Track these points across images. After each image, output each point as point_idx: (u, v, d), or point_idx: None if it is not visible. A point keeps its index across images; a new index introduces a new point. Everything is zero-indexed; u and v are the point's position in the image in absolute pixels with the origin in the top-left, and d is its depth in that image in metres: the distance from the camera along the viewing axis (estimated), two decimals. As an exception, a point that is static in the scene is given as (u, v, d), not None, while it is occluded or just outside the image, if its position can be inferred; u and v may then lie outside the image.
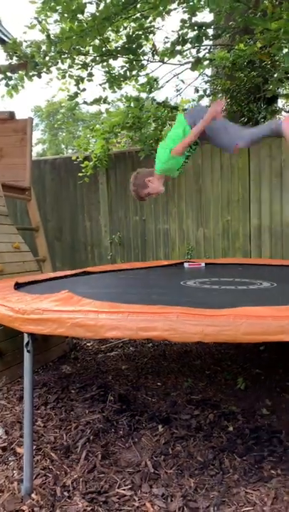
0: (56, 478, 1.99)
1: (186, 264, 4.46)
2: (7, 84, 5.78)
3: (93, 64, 5.51)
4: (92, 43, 5.26)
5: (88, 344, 4.11)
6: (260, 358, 3.46)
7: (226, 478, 1.96)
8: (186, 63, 5.75)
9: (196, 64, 5.46)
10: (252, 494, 1.85)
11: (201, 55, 5.61)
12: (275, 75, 5.19)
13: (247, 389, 2.91)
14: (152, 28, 5.56)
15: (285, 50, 5.25)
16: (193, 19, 5.12)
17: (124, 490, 1.90)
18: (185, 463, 2.09)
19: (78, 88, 5.69)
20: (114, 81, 5.58)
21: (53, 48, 5.13)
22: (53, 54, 5.22)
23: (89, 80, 5.64)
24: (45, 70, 5.47)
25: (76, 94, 5.72)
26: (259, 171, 5.31)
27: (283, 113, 5.65)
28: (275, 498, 1.82)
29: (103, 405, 2.70)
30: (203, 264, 4.44)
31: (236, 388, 2.93)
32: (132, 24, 5.54)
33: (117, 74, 5.63)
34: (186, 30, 5.21)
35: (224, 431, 2.37)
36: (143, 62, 5.64)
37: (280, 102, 6.57)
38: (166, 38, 5.63)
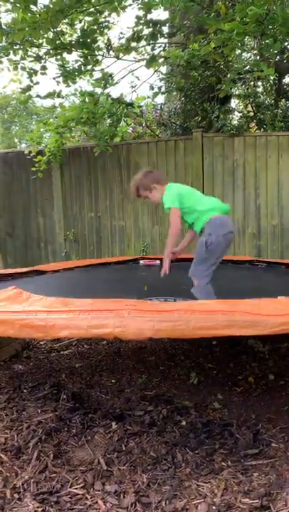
0: (6, 480, 1.94)
1: (141, 262, 4.47)
2: None
3: (47, 57, 5.39)
4: (45, 36, 5.14)
5: (41, 343, 4.03)
6: (213, 352, 3.52)
7: (178, 472, 1.99)
8: (141, 60, 5.74)
9: (151, 61, 5.46)
10: (203, 487, 1.88)
11: (155, 52, 5.63)
12: (228, 76, 5.29)
13: (199, 383, 2.96)
14: (107, 23, 5.51)
15: (237, 51, 5.37)
16: (149, 16, 5.12)
17: (76, 489, 1.88)
18: (138, 459, 2.10)
19: (31, 81, 5.55)
20: (68, 75, 5.49)
21: (4, 38, 4.97)
22: (4, 44, 5.06)
23: (42, 74, 5.51)
24: (-5, 60, 5.29)
25: (29, 87, 5.57)
26: (212, 169, 5.41)
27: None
28: (225, 489, 1.86)
29: (56, 404, 2.66)
30: (158, 262, 4.47)
31: (189, 383, 2.97)
32: (87, 18, 5.46)
33: (71, 68, 5.54)
34: (141, 27, 5.20)
35: (177, 425, 2.40)
36: (98, 57, 5.58)
37: (233, 102, 6.72)
38: (121, 34, 5.61)
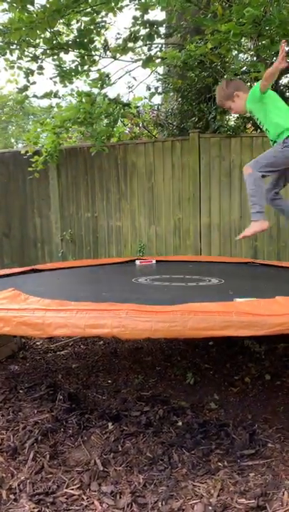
0: (2, 481, 1.93)
1: (137, 262, 4.48)
2: None
3: (43, 57, 5.38)
4: (42, 36, 5.13)
5: (38, 343, 4.02)
6: (209, 353, 3.53)
7: (175, 473, 1.99)
8: (137, 60, 5.74)
9: (148, 62, 5.47)
10: (199, 487, 1.88)
11: (152, 53, 5.63)
12: (225, 76, 5.30)
13: (196, 384, 2.96)
14: (104, 24, 5.51)
15: (234, 52, 5.38)
16: (146, 17, 5.12)
17: (72, 489, 1.87)
18: (134, 459, 2.09)
19: (28, 81, 5.54)
20: (65, 75, 5.48)
21: (1, 38, 4.96)
22: (1, 44, 5.05)
23: (39, 73, 5.50)
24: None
25: (26, 87, 5.56)
26: (209, 170, 5.41)
27: None
28: (222, 490, 1.86)
29: (52, 405, 2.66)
30: (154, 261, 4.48)
31: (186, 383, 2.97)
32: (84, 18, 5.46)
33: (68, 68, 5.53)
34: (138, 27, 5.21)
35: (173, 426, 2.40)
36: (95, 57, 5.58)
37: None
38: (118, 34, 5.61)
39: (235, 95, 3.01)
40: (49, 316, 1.73)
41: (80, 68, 5.55)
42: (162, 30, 5.52)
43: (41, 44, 5.28)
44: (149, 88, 6.11)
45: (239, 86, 3.05)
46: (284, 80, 6.13)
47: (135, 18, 5.14)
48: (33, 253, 6.53)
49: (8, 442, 2.26)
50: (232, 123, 6.03)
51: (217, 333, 1.53)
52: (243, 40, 5.27)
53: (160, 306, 1.70)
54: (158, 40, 5.50)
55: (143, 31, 5.22)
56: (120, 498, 1.82)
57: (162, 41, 5.89)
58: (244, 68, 5.66)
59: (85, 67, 5.59)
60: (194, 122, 5.79)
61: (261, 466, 2.04)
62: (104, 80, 5.64)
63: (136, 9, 5.08)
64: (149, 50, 5.61)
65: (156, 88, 6.16)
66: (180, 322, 1.53)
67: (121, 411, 2.57)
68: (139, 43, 5.38)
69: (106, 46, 5.53)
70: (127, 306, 1.69)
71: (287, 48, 3.26)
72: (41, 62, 5.42)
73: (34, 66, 5.47)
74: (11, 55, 5.32)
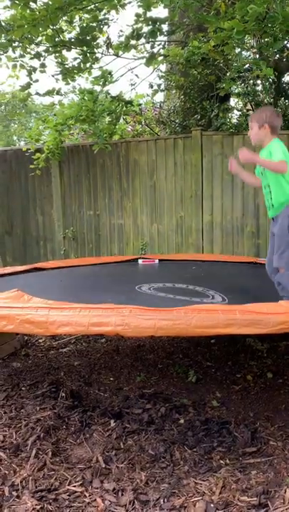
0: (4, 477, 1.94)
1: (140, 261, 4.47)
2: None
3: (46, 54, 5.37)
4: (44, 33, 5.12)
5: (40, 341, 4.03)
6: (211, 351, 3.53)
7: (177, 470, 1.99)
8: (140, 58, 5.73)
9: (151, 59, 5.45)
10: (201, 484, 1.89)
11: (155, 50, 5.61)
12: (228, 74, 5.28)
13: (198, 382, 2.97)
14: (106, 21, 5.49)
15: (237, 50, 5.36)
16: (148, 14, 5.10)
17: (74, 486, 1.88)
18: (136, 456, 2.10)
19: (31, 78, 5.53)
20: (67, 73, 5.47)
21: (3, 36, 4.95)
22: (3, 42, 5.04)
23: (41, 71, 5.49)
24: (-5, 57, 5.27)
25: (29, 85, 5.55)
26: (211, 168, 5.40)
27: None
28: (224, 487, 1.87)
29: (54, 402, 2.66)
30: (156, 261, 4.47)
31: (188, 381, 2.98)
32: (86, 15, 5.44)
33: (70, 66, 5.52)
34: (140, 24, 5.18)
35: (175, 423, 2.40)
36: (97, 54, 5.56)
37: (232, 101, 6.70)
38: (121, 31, 5.58)
39: (263, 125, 2.84)
40: (52, 314, 1.74)
41: (82, 66, 5.54)
42: (165, 27, 5.50)
43: (43, 41, 5.27)
44: (151, 86, 6.09)
45: (274, 123, 2.86)
46: (286, 78, 6.11)
47: (138, 15, 5.11)
48: (35, 251, 6.54)
49: (11, 439, 2.27)
50: (235, 120, 6.02)
51: (221, 331, 1.53)
52: (246, 37, 5.25)
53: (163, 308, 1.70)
54: (161, 38, 5.48)
55: (146, 28, 5.20)
56: (122, 495, 1.82)
57: (165, 38, 5.87)
58: (247, 66, 5.64)
59: (87, 65, 5.57)
60: (197, 120, 5.78)
61: (263, 463, 2.04)
62: (106, 77, 5.62)
63: (138, 6, 5.06)
64: (152, 47, 5.60)
65: (159, 85, 6.15)
66: (184, 320, 1.53)
67: (123, 408, 2.58)
68: (142, 40, 5.35)
69: (108, 43, 5.51)
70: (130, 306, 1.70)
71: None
72: (44, 59, 5.41)
73: (37, 64, 5.46)
74: (14, 52, 5.31)
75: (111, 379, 3.07)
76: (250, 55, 6.10)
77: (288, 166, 2.67)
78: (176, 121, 6.31)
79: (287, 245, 2.77)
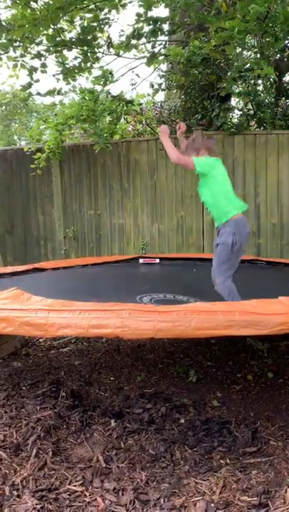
0: (5, 477, 1.95)
1: (140, 260, 4.48)
2: None
3: (47, 54, 5.37)
4: (45, 33, 5.12)
5: (40, 340, 4.03)
6: (212, 350, 3.53)
7: (177, 470, 2.00)
8: (141, 57, 5.72)
9: (151, 59, 5.44)
10: (201, 484, 1.89)
11: (156, 50, 5.60)
12: (229, 74, 5.28)
13: (198, 381, 2.97)
14: (107, 20, 5.49)
15: (238, 49, 5.35)
16: (149, 13, 5.10)
17: (75, 486, 1.88)
18: (137, 456, 2.10)
19: (31, 78, 5.53)
20: (68, 72, 5.47)
21: (4, 35, 4.95)
22: (4, 41, 5.04)
23: (42, 71, 5.49)
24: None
25: (30, 85, 5.55)
26: (212, 167, 5.39)
27: None
28: (224, 487, 1.87)
29: (55, 401, 2.67)
30: (157, 261, 4.47)
31: (188, 381, 2.98)
32: (87, 15, 5.44)
33: (71, 65, 5.52)
34: (141, 24, 5.18)
35: (176, 423, 2.40)
36: (98, 54, 5.56)
37: (233, 100, 6.70)
38: (122, 31, 5.58)
39: (194, 147, 3.20)
40: (52, 316, 1.74)
41: (83, 65, 5.54)
42: (166, 27, 5.49)
43: (44, 41, 5.27)
44: (152, 85, 6.09)
45: (204, 144, 3.24)
46: (287, 78, 6.11)
47: (139, 14, 5.11)
48: (35, 250, 6.54)
49: (11, 439, 2.27)
50: (235, 120, 6.02)
51: (220, 332, 1.53)
52: (247, 37, 5.25)
53: (162, 306, 1.71)
54: (161, 37, 5.47)
55: (146, 28, 5.19)
56: (123, 494, 1.83)
57: (166, 38, 5.86)
58: (247, 65, 5.64)
59: (88, 64, 5.57)
60: (197, 119, 5.77)
61: (263, 463, 2.04)
62: (107, 77, 5.62)
63: (139, 6, 5.06)
64: (153, 47, 5.59)
65: (160, 85, 6.14)
66: (183, 322, 1.53)
67: (123, 408, 2.58)
68: (143, 40, 5.35)
69: (109, 43, 5.51)
70: (130, 305, 1.69)
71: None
72: (44, 59, 5.41)
73: (37, 63, 5.47)
74: (15, 52, 5.31)
75: (111, 379, 3.07)
76: (250, 55, 6.11)
77: (197, 168, 3.04)
78: (177, 120, 6.31)
79: (227, 260, 2.93)
